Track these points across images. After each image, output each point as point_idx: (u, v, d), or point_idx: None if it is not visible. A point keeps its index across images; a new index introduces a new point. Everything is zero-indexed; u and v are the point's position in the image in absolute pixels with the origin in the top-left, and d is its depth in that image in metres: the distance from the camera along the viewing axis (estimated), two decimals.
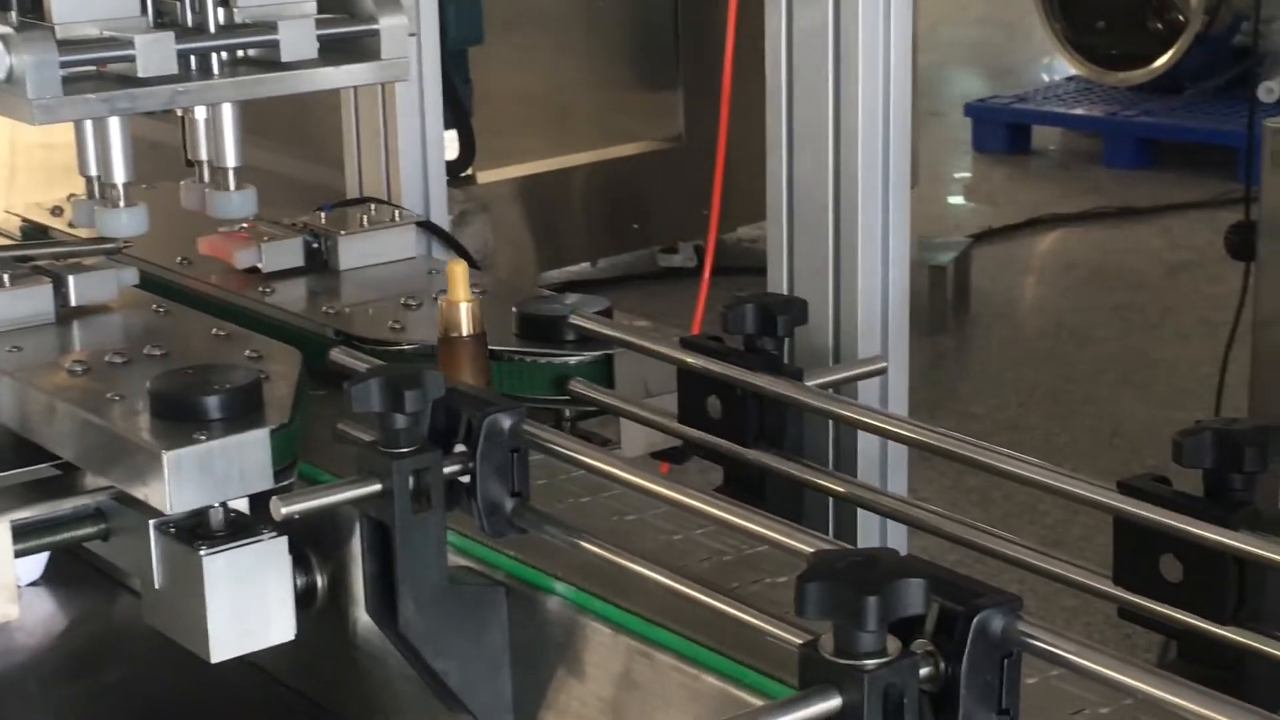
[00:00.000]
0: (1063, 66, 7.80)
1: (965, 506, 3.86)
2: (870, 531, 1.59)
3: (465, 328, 1.51)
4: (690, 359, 1.48)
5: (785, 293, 1.65)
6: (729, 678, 1.19)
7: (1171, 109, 7.04)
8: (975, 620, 1.00)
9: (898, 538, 1.59)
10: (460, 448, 1.29)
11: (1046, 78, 8.22)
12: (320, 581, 1.47)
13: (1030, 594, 1.38)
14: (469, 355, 1.49)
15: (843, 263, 1.60)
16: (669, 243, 5.77)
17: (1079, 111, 7.26)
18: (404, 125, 2.08)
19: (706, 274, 2.37)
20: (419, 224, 2.00)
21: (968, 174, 7.33)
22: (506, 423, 1.28)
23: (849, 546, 1.10)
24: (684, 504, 1.18)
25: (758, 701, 1.14)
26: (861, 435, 1.60)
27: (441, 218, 2.14)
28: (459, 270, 1.50)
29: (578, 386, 1.60)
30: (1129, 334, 5.29)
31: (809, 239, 1.63)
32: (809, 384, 1.48)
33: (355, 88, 2.07)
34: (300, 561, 1.44)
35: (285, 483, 1.38)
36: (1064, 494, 1.23)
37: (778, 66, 1.63)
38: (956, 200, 6.95)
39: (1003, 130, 7.42)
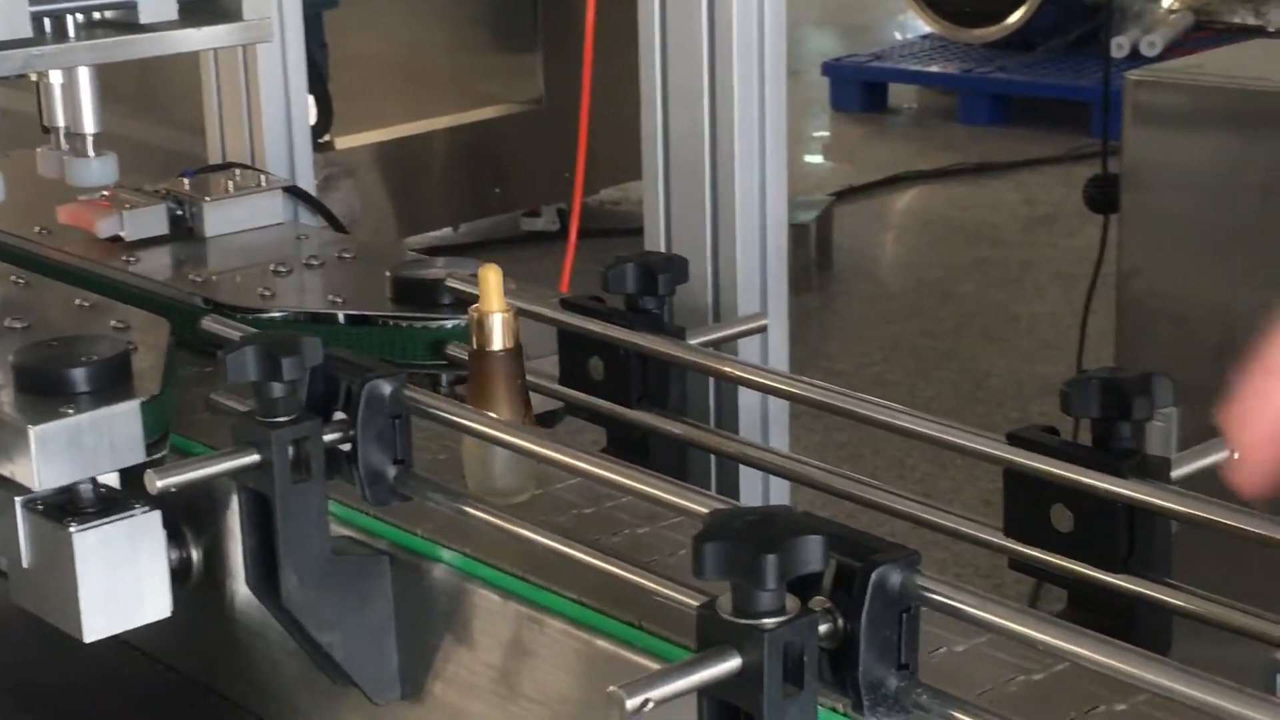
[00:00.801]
0: (917, 24, 7.86)
1: (836, 461, 3.87)
2: (752, 488, 1.58)
3: (500, 341, 1.32)
4: (572, 320, 1.46)
5: (663, 251, 1.64)
6: (622, 641, 1.17)
7: (1025, 66, 7.12)
8: (874, 575, 0.99)
9: (780, 494, 1.58)
10: (340, 415, 1.26)
11: (900, 36, 8.27)
12: (196, 556, 1.44)
13: None
14: (505, 372, 1.32)
15: (720, 220, 1.59)
16: (531, 206, 5.74)
17: (934, 69, 7.32)
18: (267, 88, 2.03)
19: (573, 236, 2.34)
20: (285, 189, 1.96)
21: (826, 133, 7.37)
22: (387, 389, 1.25)
23: (742, 505, 1.09)
24: (578, 468, 1.16)
25: (652, 665, 1.13)
26: (743, 392, 1.59)
27: (308, 182, 2.10)
28: (492, 276, 1.33)
29: (455, 350, 1.57)
30: (989, 288, 5.34)
31: (686, 197, 1.61)
32: (691, 343, 1.47)
33: (216, 50, 2.02)
34: (174, 536, 1.40)
35: (158, 456, 1.34)
36: (956, 448, 1.22)
37: (651, 24, 1.61)
38: (815, 159, 6.99)
39: (859, 89, 7.46)
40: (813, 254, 5.44)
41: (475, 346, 1.33)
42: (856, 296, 5.42)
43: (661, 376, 1.44)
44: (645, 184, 1.64)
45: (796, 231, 5.37)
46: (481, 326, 1.32)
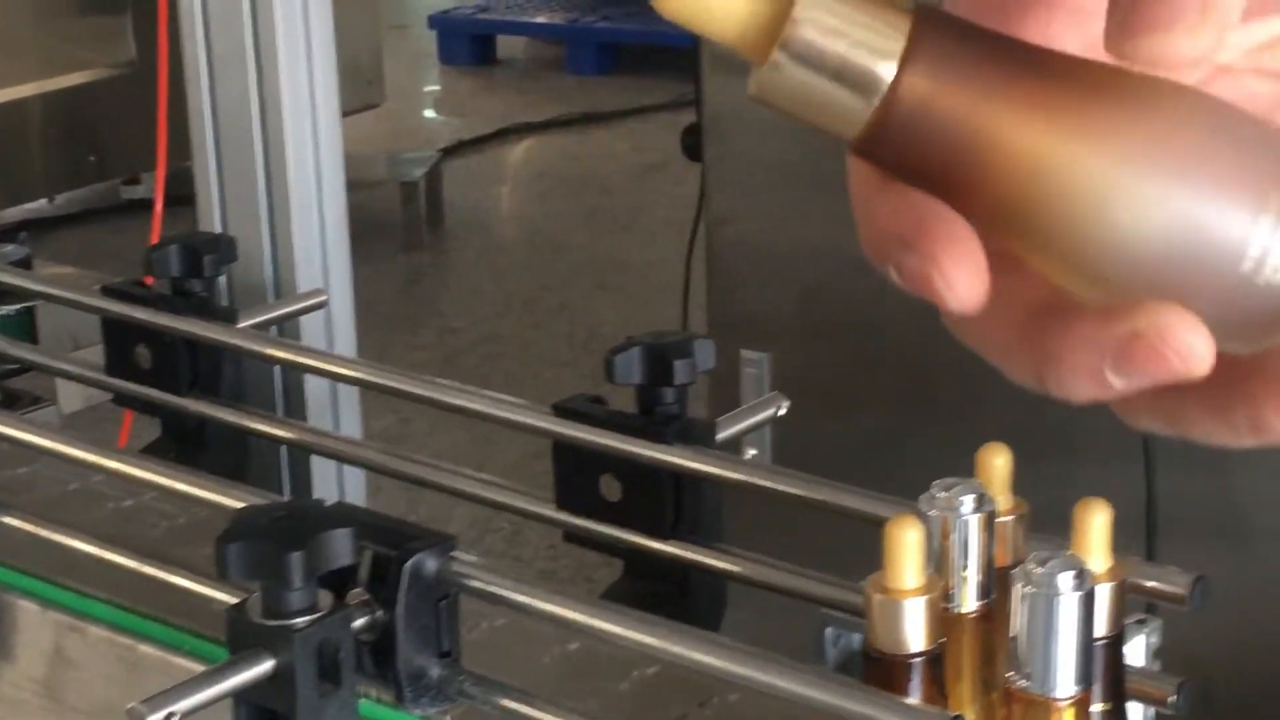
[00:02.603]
0: None
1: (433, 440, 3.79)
2: (326, 477, 1.54)
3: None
4: (112, 307, 1.40)
5: (219, 230, 1.58)
6: (168, 646, 1.13)
7: (630, 14, 7.17)
8: (408, 564, 0.97)
9: (355, 481, 1.54)
10: None
11: None
12: None
13: (492, 531, 1.38)
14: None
15: (274, 194, 1.54)
16: (130, 174, 5.54)
17: (541, 20, 7.32)
18: None
19: (158, 207, 2.26)
20: None
21: (436, 87, 7.31)
22: None
23: (278, 499, 1.05)
24: (100, 466, 1.10)
25: (200, 668, 1.09)
26: (309, 378, 1.54)
27: None
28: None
29: None
30: (601, 238, 5.38)
31: (238, 172, 1.56)
32: (245, 324, 1.42)
33: None
34: None
35: None
36: (502, 421, 1.21)
37: None
38: (427, 114, 6.93)
39: (467, 41, 7.42)
40: (423, 211, 5.39)
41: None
42: (470, 252, 5.40)
43: (212, 362, 1.38)
44: (195, 161, 1.58)
45: (406, 189, 5.32)
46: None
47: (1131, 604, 0.99)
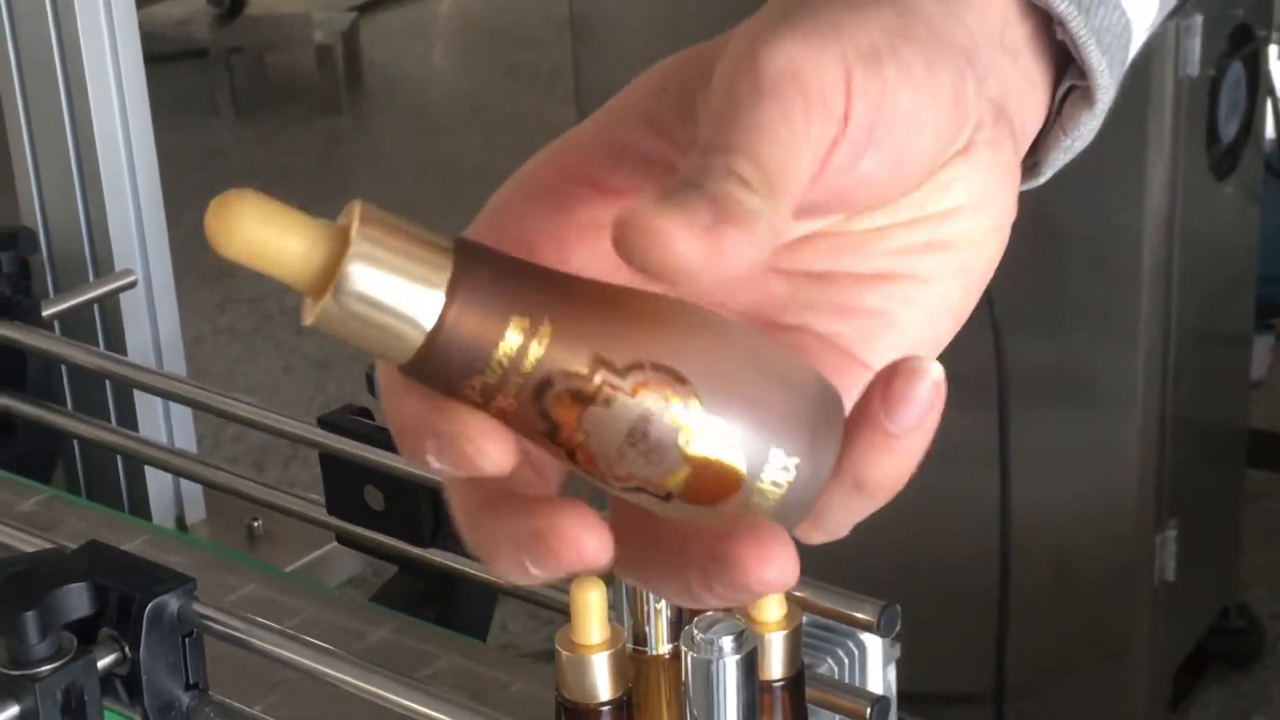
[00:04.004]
0: None
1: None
2: (164, 489, 1.57)
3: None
4: None
5: (40, 215, 1.59)
6: None
7: None
8: (149, 607, 1.02)
9: (193, 491, 1.58)
10: None
11: None
12: None
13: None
14: None
15: (85, 170, 1.55)
16: None
17: None
18: None
19: None
20: None
21: None
22: None
23: (39, 550, 1.10)
24: None
25: None
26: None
27: None
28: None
29: None
30: (521, 97, 5.37)
31: (49, 151, 1.57)
32: (52, 310, 1.45)
33: None
34: None
35: None
36: (273, 430, 1.25)
37: None
38: None
39: None
40: (341, 73, 5.37)
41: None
42: (391, 114, 5.39)
43: (18, 361, 1.40)
44: (11, 146, 1.59)
45: (321, 53, 5.29)
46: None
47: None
